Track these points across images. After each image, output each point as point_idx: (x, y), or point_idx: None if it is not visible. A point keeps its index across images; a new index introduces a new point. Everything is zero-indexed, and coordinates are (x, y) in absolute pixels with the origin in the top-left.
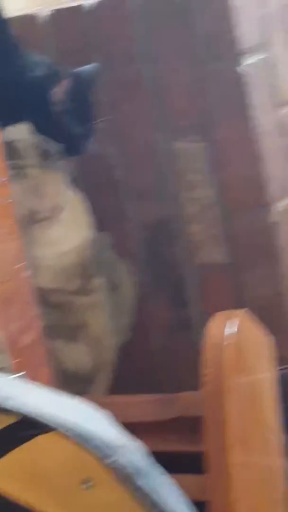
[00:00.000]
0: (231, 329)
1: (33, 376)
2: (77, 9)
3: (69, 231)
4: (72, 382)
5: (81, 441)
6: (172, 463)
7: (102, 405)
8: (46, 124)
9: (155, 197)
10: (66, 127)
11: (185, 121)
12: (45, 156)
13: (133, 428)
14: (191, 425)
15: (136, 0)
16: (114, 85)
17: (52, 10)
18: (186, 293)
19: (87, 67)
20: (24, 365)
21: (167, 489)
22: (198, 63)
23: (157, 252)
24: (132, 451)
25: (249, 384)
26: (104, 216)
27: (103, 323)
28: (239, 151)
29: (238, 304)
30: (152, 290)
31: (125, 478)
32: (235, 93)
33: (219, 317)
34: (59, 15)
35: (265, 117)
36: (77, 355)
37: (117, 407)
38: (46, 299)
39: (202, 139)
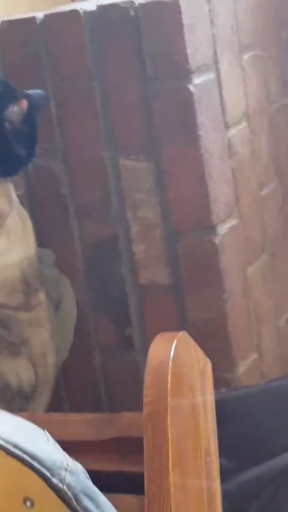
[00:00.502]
0: (171, 352)
1: None
2: (29, 21)
3: (13, 244)
4: (13, 398)
5: (26, 460)
6: (111, 483)
7: (41, 422)
8: None
9: (99, 215)
10: (11, 146)
11: (131, 139)
12: None
13: (72, 446)
14: (131, 446)
15: (88, 15)
16: (62, 100)
17: (2, 21)
18: (128, 313)
19: (36, 91)
20: None
21: (109, 510)
22: (146, 81)
23: (100, 270)
24: (75, 473)
25: (188, 406)
26: (49, 232)
27: (46, 340)
28: (185, 172)
29: (180, 325)
30: (94, 308)
31: (69, 498)
32: (182, 113)
33: (160, 339)
34: (10, 26)
35: (212, 138)
36: (19, 371)
37: (56, 425)
38: None
39: (148, 158)
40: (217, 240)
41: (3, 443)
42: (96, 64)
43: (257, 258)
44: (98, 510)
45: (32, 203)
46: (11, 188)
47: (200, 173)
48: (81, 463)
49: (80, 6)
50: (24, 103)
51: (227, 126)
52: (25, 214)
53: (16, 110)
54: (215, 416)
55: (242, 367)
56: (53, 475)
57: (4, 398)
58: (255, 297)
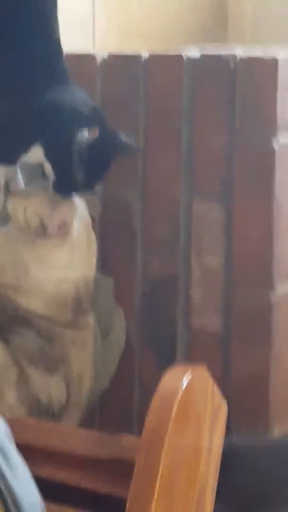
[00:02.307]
0: (183, 382)
1: None
2: (134, 58)
3: (74, 261)
4: (40, 414)
5: None
6: (96, 503)
7: (46, 430)
8: (58, 157)
9: (165, 254)
10: (71, 167)
11: (209, 185)
12: None
13: (66, 458)
14: (125, 469)
15: (191, 61)
16: (150, 137)
17: (110, 55)
18: (175, 356)
19: (128, 141)
20: None
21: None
22: (233, 132)
23: (155, 308)
24: None
25: (191, 441)
26: (113, 261)
27: (86, 363)
28: (255, 226)
29: (223, 376)
30: (142, 344)
31: None
32: (263, 168)
33: (176, 369)
34: (116, 60)
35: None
36: (52, 388)
37: (60, 435)
38: (33, 323)
39: (221, 207)
40: (273, 299)
41: None
42: (189, 107)
43: None
44: (7, 462)
45: (102, 229)
46: (80, 206)
47: (268, 230)
48: (69, 476)
49: (185, 52)
50: (95, 133)
51: None
52: (93, 237)
53: (85, 136)
54: (219, 460)
55: (277, 433)
56: None
57: (31, 412)
58: None
